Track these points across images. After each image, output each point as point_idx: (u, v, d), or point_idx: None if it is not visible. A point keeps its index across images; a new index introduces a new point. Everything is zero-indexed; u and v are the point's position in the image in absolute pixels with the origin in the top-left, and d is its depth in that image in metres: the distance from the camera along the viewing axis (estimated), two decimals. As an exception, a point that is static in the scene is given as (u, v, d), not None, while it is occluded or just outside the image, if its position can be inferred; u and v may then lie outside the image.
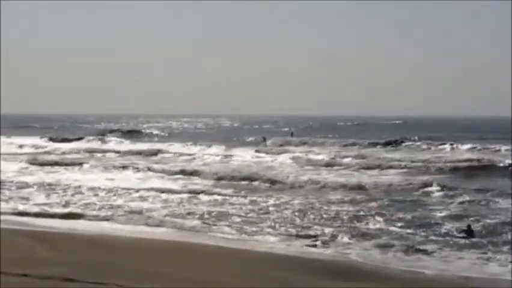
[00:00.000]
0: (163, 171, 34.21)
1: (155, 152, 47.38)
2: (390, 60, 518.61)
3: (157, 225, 18.87)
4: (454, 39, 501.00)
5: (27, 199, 23.83)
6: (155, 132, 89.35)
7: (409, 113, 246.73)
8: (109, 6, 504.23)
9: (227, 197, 24.57)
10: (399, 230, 18.12)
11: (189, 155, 45.55)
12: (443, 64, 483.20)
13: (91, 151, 49.37)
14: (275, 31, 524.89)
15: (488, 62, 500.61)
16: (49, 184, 28.14)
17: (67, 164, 38.27)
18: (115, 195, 25.14)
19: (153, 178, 31.73)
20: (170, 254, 14.42)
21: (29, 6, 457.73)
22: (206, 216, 20.35)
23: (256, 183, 29.68)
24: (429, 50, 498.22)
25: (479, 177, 31.70)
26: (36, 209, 21.36)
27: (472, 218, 19.55)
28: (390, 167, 35.51)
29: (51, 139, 64.77)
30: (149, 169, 35.09)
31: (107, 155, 46.86)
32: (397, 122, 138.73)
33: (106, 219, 19.95)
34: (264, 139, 63.73)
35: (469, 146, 50.34)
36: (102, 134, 75.02)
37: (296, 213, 20.88)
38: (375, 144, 55.38)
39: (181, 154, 46.38)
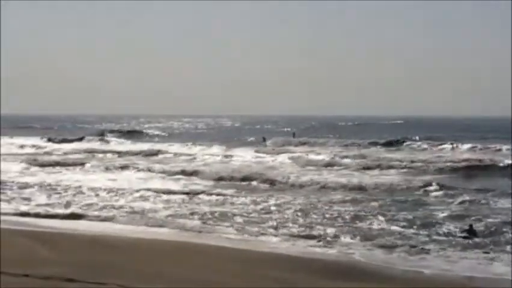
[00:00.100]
0: (163, 171, 34.22)
1: (156, 152, 47.43)
2: (391, 60, 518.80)
3: (158, 226, 18.87)
4: (454, 39, 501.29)
5: (29, 199, 23.85)
6: (156, 132, 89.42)
7: (410, 113, 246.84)
8: (109, 6, 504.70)
9: (227, 197, 24.54)
10: (402, 229, 18.10)
11: (190, 155, 45.57)
12: (443, 64, 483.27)
13: (91, 151, 49.35)
14: (276, 31, 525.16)
15: (488, 62, 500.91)
16: (49, 184, 28.14)
17: (67, 165, 38.22)
18: (115, 195, 25.14)
19: (154, 178, 31.75)
20: (171, 254, 14.41)
21: (29, 6, 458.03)
22: (206, 216, 20.33)
23: (255, 183, 29.69)
24: (429, 50, 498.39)
25: (479, 177, 31.70)
26: (37, 210, 21.36)
27: (473, 218, 19.55)
28: (391, 167, 35.51)
29: (49, 140, 64.67)
30: (149, 169, 35.11)
31: (108, 155, 46.87)
32: (398, 122, 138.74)
33: (107, 219, 19.94)
34: (264, 139, 63.77)
35: (469, 145, 50.38)
36: (102, 135, 75.08)
37: (297, 214, 20.84)
38: (376, 144, 55.43)
39: (181, 154, 46.40)
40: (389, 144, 55.66)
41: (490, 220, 19.30)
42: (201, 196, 24.85)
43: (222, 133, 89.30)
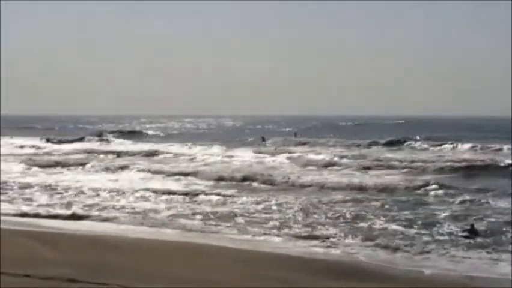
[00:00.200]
0: (164, 171, 34.23)
1: (157, 153, 47.46)
2: (392, 60, 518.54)
3: (159, 226, 18.89)
4: (454, 39, 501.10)
5: (31, 200, 23.90)
6: (156, 132, 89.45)
7: (411, 113, 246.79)
8: (109, 6, 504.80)
9: (228, 197, 24.58)
10: (403, 229, 18.12)
11: (190, 155, 45.58)
12: (443, 64, 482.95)
13: (91, 152, 49.35)
14: (277, 31, 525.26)
15: (488, 62, 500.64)
16: (49, 185, 28.15)
17: (67, 165, 38.21)
18: (116, 195, 25.17)
19: (154, 178, 31.77)
20: (172, 254, 14.43)
21: (29, 6, 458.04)
22: (206, 216, 20.35)
23: (255, 183, 29.70)
24: (430, 50, 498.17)
25: (480, 177, 31.68)
26: (38, 210, 21.38)
27: (474, 218, 19.58)
28: (392, 167, 35.51)
29: (48, 140, 64.59)
30: (150, 169, 35.12)
31: (109, 155, 46.86)
32: (399, 121, 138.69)
33: (108, 219, 19.95)
34: (263, 139, 63.80)
35: (470, 145, 50.38)
36: (101, 135, 75.12)
37: (298, 214, 20.88)
38: (376, 144, 55.42)
39: (182, 154, 46.38)
40: (389, 144, 55.62)
41: (491, 220, 19.34)
42: (201, 196, 24.87)
43: (223, 133, 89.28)
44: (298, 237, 17.17)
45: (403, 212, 21.01)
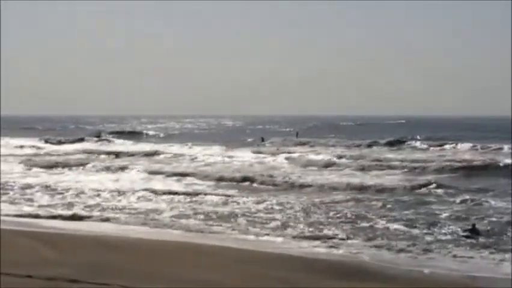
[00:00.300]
0: (164, 171, 34.23)
1: (157, 153, 47.47)
2: (392, 59, 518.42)
3: (160, 226, 18.89)
4: (454, 39, 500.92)
5: (31, 200, 23.91)
6: (157, 133, 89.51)
7: (411, 113, 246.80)
8: (109, 6, 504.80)
9: (228, 197, 24.56)
10: (404, 229, 18.12)
11: (190, 155, 45.60)
12: (444, 64, 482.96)
13: (91, 152, 49.38)
14: (278, 31, 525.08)
15: (488, 62, 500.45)
16: (50, 185, 28.16)
17: (69, 166, 38.22)
18: (117, 196, 25.18)
19: (154, 179, 31.78)
20: (174, 254, 14.41)
21: (29, 6, 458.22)
22: (207, 216, 20.35)
23: (255, 183, 29.71)
24: (430, 50, 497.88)
25: (480, 177, 31.69)
26: (39, 211, 21.39)
27: (475, 217, 19.59)
28: (393, 167, 35.53)
29: (47, 141, 64.52)
30: (150, 170, 35.12)
31: (109, 156, 46.87)
32: (400, 121, 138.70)
33: (109, 220, 19.95)
34: (262, 139, 63.83)
35: (470, 145, 50.42)
36: (99, 136, 75.12)
37: (299, 214, 20.87)
38: (377, 144, 55.44)
39: (182, 155, 46.42)
40: (390, 144, 55.69)
41: (492, 220, 19.35)
42: (201, 196, 24.88)
43: (223, 133, 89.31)
44: (300, 237, 17.15)
45: (404, 211, 21.01)
